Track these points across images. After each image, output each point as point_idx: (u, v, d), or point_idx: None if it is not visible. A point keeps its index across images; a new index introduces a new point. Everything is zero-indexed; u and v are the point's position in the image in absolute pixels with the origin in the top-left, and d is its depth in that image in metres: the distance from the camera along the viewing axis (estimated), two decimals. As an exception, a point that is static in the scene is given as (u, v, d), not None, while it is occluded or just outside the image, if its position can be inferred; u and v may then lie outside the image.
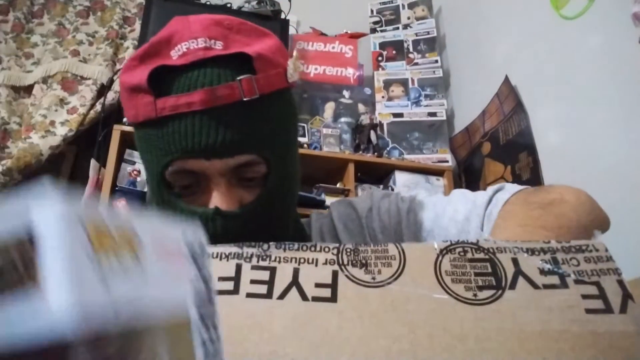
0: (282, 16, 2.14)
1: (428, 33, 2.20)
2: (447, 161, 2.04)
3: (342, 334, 0.34)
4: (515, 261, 0.36)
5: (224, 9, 2.12)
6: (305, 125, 2.02)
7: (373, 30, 2.27)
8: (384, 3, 2.30)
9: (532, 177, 1.57)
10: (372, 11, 2.31)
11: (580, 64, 1.43)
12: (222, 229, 0.51)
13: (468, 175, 1.98)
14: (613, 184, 1.26)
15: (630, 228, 1.18)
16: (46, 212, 0.15)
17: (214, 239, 0.47)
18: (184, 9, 2.02)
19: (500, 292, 0.34)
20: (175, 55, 0.52)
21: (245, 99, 0.50)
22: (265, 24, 2.07)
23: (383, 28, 2.27)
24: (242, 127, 0.51)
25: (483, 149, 1.87)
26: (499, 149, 1.79)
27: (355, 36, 2.25)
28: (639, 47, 1.22)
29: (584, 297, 0.33)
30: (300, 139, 1.98)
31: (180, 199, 0.54)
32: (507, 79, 1.73)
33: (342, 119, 2.09)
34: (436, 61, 2.15)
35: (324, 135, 2.02)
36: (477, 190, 1.81)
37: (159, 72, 0.52)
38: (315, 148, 1.96)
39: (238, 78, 0.50)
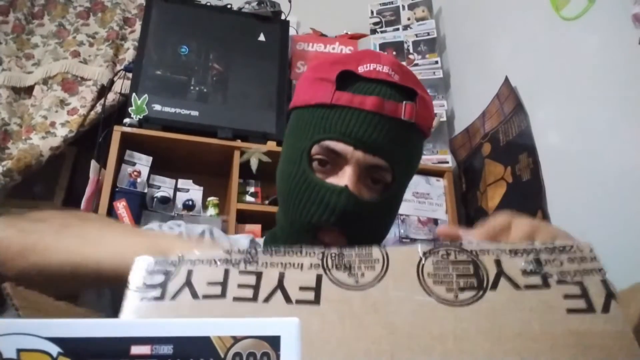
0: (282, 17, 2.14)
1: (428, 34, 2.20)
2: (447, 162, 2.04)
3: (322, 335, 0.34)
4: (498, 262, 0.35)
5: (224, 10, 2.13)
6: (305, 126, 2.02)
7: (373, 31, 2.27)
8: (384, 4, 2.29)
9: (532, 178, 1.57)
10: (372, 12, 2.31)
11: (581, 65, 1.43)
12: (343, 206, 0.60)
13: (468, 176, 1.97)
14: (613, 184, 1.26)
15: (630, 228, 1.17)
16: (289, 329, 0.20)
17: (331, 213, 0.61)
18: (184, 9, 2.03)
19: (481, 293, 0.34)
20: (362, 70, 0.65)
21: (403, 119, 0.63)
22: (265, 24, 2.07)
23: (383, 29, 2.27)
24: (392, 138, 0.62)
25: (483, 149, 1.86)
26: (499, 150, 1.78)
27: (355, 37, 2.25)
28: (639, 48, 1.21)
29: (566, 297, 0.33)
30: (300, 140, 1.97)
31: (314, 173, 0.64)
32: (507, 80, 1.73)
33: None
34: (436, 62, 2.14)
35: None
36: (476, 191, 1.79)
37: (345, 76, 0.64)
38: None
39: (404, 102, 0.63)
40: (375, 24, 2.29)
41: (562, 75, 1.50)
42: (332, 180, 0.63)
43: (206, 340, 0.18)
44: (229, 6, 2.17)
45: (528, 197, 1.57)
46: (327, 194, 0.61)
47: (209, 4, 2.10)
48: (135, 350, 0.18)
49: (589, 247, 0.36)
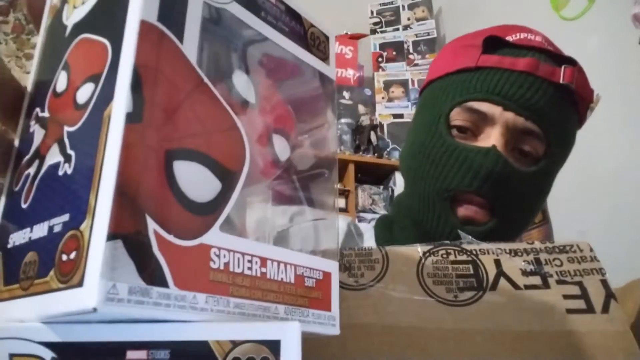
0: (282, 17, 2.14)
1: (428, 34, 2.20)
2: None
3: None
4: (497, 262, 0.35)
5: (224, 10, 2.12)
6: (304, 126, 2.02)
7: (373, 31, 2.27)
8: (384, 4, 2.29)
9: (532, 179, 1.57)
10: (372, 12, 2.31)
11: (581, 65, 1.43)
12: (490, 166, 0.51)
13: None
14: (613, 184, 1.26)
15: (630, 228, 1.17)
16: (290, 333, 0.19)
17: (475, 176, 0.52)
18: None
19: (480, 293, 0.34)
20: (512, 38, 0.58)
21: (562, 82, 0.55)
22: (265, 25, 2.07)
23: (383, 29, 2.27)
24: (547, 102, 0.54)
25: (483, 150, 1.86)
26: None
27: (355, 37, 2.25)
28: (639, 48, 1.21)
29: (566, 297, 0.33)
30: (300, 140, 1.97)
31: (454, 138, 0.55)
32: (507, 80, 1.73)
33: (342, 120, 2.08)
34: (436, 62, 2.14)
35: (324, 136, 2.01)
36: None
37: (492, 43, 0.57)
38: (314, 149, 1.96)
39: (563, 66, 0.56)
40: (375, 24, 2.29)
41: (562, 75, 1.50)
42: (477, 143, 0.55)
43: (204, 345, 0.18)
44: (228, 6, 2.17)
45: (528, 197, 1.57)
46: (470, 155, 0.53)
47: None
48: (131, 355, 0.18)
49: (588, 247, 0.36)
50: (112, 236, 0.16)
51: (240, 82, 0.22)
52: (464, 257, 0.36)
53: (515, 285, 0.34)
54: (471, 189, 0.52)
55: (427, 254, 0.37)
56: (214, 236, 0.19)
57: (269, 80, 0.24)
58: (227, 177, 0.20)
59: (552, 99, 0.54)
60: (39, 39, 0.26)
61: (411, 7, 2.27)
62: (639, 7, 1.21)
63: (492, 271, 0.35)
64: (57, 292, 0.17)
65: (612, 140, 1.29)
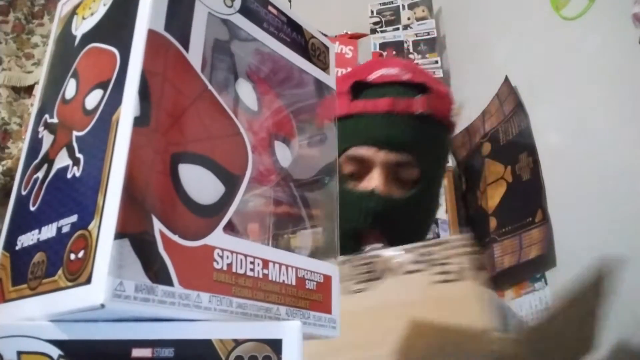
0: (282, 17, 2.14)
1: (428, 34, 2.20)
2: (447, 162, 2.04)
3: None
4: (388, 259, 0.45)
5: (224, 10, 2.12)
6: (305, 125, 2.02)
7: (373, 31, 2.27)
8: (384, 4, 2.29)
9: (532, 178, 1.57)
10: (372, 12, 2.31)
11: (581, 65, 1.43)
12: (374, 207, 0.62)
13: (468, 176, 1.97)
14: (613, 184, 1.26)
15: (630, 228, 1.17)
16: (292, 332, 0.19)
17: (365, 216, 0.62)
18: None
19: (372, 282, 0.44)
20: (372, 77, 0.67)
21: (417, 113, 0.64)
22: (265, 24, 2.07)
23: (383, 29, 2.27)
24: (411, 133, 0.64)
25: (483, 149, 1.86)
26: (499, 150, 1.78)
27: (356, 37, 2.25)
28: (639, 48, 1.21)
29: (438, 273, 0.43)
30: (300, 140, 1.97)
31: (347, 184, 0.65)
32: (507, 80, 1.73)
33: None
34: (436, 62, 2.14)
35: (324, 135, 2.01)
36: (476, 191, 1.78)
37: (357, 87, 0.66)
38: (315, 149, 1.96)
39: (417, 96, 0.65)
40: (375, 23, 2.29)
41: (562, 75, 1.50)
42: (363, 185, 0.64)
43: (207, 343, 0.18)
44: (228, 6, 2.17)
45: (528, 196, 1.57)
46: (357, 200, 0.63)
47: (208, 3, 2.10)
48: (136, 353, 0.18)
49: (465, 237, 0.45)
50: (119, 235, 0.17)
51: (244, 90, 0.23)
52: (364, 262, 0.46)
53: (399, 272, 0.44)
54: (366, 226, 0.62)
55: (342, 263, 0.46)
56: (217, 237, 0.20)
57: (271, 88, 0.25)
58: (230, 180, 0.21)
59: (415, 129, 0.64)
60: (48, 49, 0.27)
61: (411, 6, 2.27)
62: (639, 7, 1.21)
63: (382, 266, 0.45)
64: (66, 290, 0.18)
65: (612, 140, 1.29)
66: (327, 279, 0.24)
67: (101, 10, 0.22)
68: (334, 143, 0.28)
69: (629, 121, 1.23)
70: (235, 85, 0.23)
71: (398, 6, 2.27)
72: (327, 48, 0.29)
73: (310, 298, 0.23)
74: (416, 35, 2.20)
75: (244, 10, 0.24)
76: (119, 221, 0.17)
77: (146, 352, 0.18)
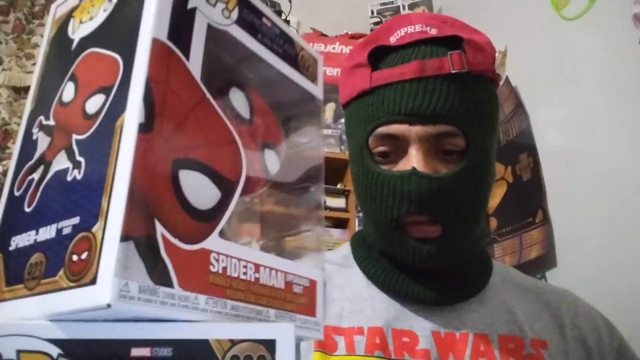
0: (283, 17, 2.14)
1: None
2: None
3: None
4: None
5: (225, 10, 2.13)
6: (305, 126, 2.02)
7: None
8: (384, 4, 2.29)
9: (533, 178, 1.57)
10: (372, 12, 2.31)
11: (581, 65, 1.43)
12: (416, 190, 0.53)
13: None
14: (613, 184, 1.26)
15: (630, 228, 1.17)
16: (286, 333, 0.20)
17: (409, 201, 0.54)
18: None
19: None
20: (394, 39, 0.58)
21: (453, 72, 0.54)
22: (265, 24, 2.07)
23: (384, 29, 2.27)
24: (447, 97, 0.54)
25: (483, 149, 1.86)
26: (499, 150, 1.78)
27: (356, 37, 2.25)
28: (639, 48, 1.21)
29: None
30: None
31: (379, 166, 0.57)
32: (507, 80, 1.73)
33: (343, 120, 2.09)
34: (437, 62, 2.14)
35: (325, 136, 2.02)
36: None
37: (378, 53, 0.57)
38: (315, 149, 1.96)
39: (449, 53, 0.55)
40: (376, 23, 2.29)
41: (562, 75, 1.50)
42: (400, 167, 0.56)
43: (205, 343, 0.19)
44: (229, 6, 2.18)
45: (528, 196, 1.57)
46: (396, 182, 0.54)
47: (209, 3, 2.10)
48: (135, 352, 0.18)
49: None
50: (124, 238, 0.17)
51: (237, 98, 0.24)
52: None
53: None
54: (411, 212, 0.54)
55: None
56: (213, 242, 0.21)
57: (262, 97, 0.26)
58: (225, 186, 0.22)
59: (451, 92, 0.54)
60: (41, 50, 0.27)
61: (411, 7, 2.27)
62: (639, 7, 1.21)
63: None
64: (68, 291, 0.18)
65: (612, 140, 1.29)
66: (313, 283, 0.25)
67: (101, 16, 0.23)
68: (320, 151, 0.29)
69: (629, 121, 1.23)
70: (229, 93, 0.24)
71: (398, 6, 2.27)
72: (315, 60, 0.30)
73: (297, 302, 0.24)
74: (416, 35, 2.20)
75: (241, 22, 0.24)
76: (125, 224, 0.17)
77: (145, 351, 0.18)
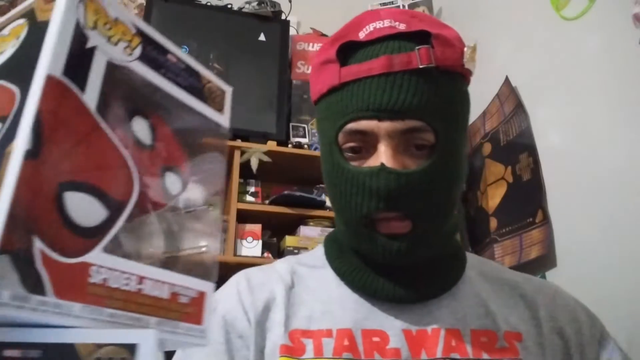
0: (283, 17, 2.14)
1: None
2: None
3: None
4: None
5: (224, 10, 2.13)
6: (305, 126, 2.02)
7: (374, 31, 2.27)
8: (384, 4, 2.29)
9: (533, 178, 1.57)
10: (373, 12, 2.31)
11: (581, 65, 1.43)
12: (385, 186, 0.53)
13: (468, 176, 1.97)
14: (613, 184, 1.26)
15: (630, 228, 1.17)
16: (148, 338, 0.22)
17: (378, 197, 0.54)
18: (184, 10, 2.03)
19: None
20: (363, 35, 0.58)
21: (421, 67, 0.54)
22: (265, 24, 2.07)
23: (384, 29, 2.27)
24: (415, 92, 0.54)
25: (483, 149, 1.86)
26: (499, 150, 1.78)
27: (356, 37, 2.25)
28: (639, 48, 1.21)
29: None
30: (301, 140, 1.98)
31: (348, 162, 0.57)
32: (507, 80, 1.73)
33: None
34: (437, 62, 2.14)
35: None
36: (476, 191, 1.78)
37: (347, 48, 0.58)
38: (315, 149, 1.96)
39: (416, 48, 0.55)
40: (376, 23, 2.29)
41: (562, 75, 1.50)
42: (370, 163, 0.56)
43: (71, 347, 0.21)
44: (229, 6, 2.18)
45: (528, 196, 1.57)
46: (365, 179, 0.54)
47: (209, 4, 2.10)
48: (7, 353, 0.21)
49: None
50: (0, 252, 0.20)
51: (139, 126, 0.27)
52: None
53: None
54: (380, 209, 0.54)
55: None
56: (96, 256, 0.23)
57: (167, 125, 0.29)
58: (114, 206, 0.24)
59: (419, 87, 0.54)
60: None
61: (411, 7, 2.27)
62: (639, 7, 1.21)
63: None
64: None
65: (612, 140, 1.29)
66: (202, 294, 0.28)
67: (9, 51, 0.25)
68: (221, 176, 0.31)
69: (629, 121, 1.23)
70: (132, 122, 0.26)
71: (398, 6, 2.27)
72: (223, 91, 0.33)
73: (183, 311, 0.27)
74: (416, 35, 2.20)
75: (144, 58, 0.27)
76: (2, 240, 0.20)
77: (16, 352, 0.21)
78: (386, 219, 0.56)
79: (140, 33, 0.27)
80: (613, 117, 1.30)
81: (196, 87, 0.30)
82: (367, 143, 0.56)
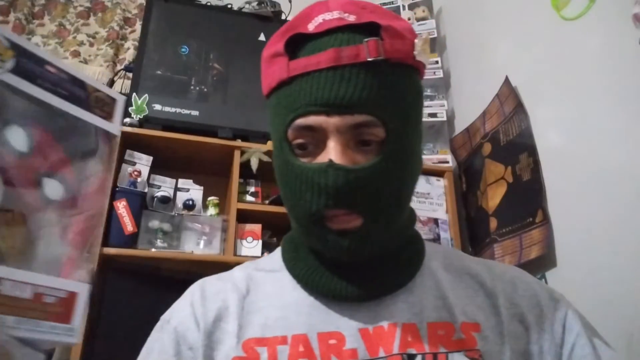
0: (283, 17, 2.14)
1: (428, 34, 2.20)
2: (447, 162, 2.04)
3: None
4: None
5: (224, 10, 2.13)
6: (305, 126, 2.02)
7: (374, 31, 2.27)
8: (384, 4, 2.29)
9: (533, 178, 1.57)
10: (372, 12, 2.31)
11: (581, 65, 1.43)
12: (333, 183, 0.52)
13: (468, 176, 1.97)
14: (613, 184, 1.26)
15: (630, 227, 1.17)
16: None
17: (326, 195, 0.53)
18: (184, 10, 2.02)
19: None
20: (312, 27, 0.56)
21: (369, 59, 0.53)
22: (265, 25, 2.07)
23: (384, 29, 2.27)
24: (364, 86, 0.53)
25: (483, 149, 1.86)
26: (499, 150, 1.78)
27: (356, 37, 2.25)
28: (639, 48, 1.21)
29: None
30: (300, 140, 1.97)
31: (298, 159, 0.56)
32: (507, 80, 1.73)
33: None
34: (436, 62, 2.14)
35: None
36: (476, 191, 1.78)
37: (296, 41, 0.56)
38: (315, 149, 1.96)
39: (365, 40, 0.53)
40: (376, 23, 2.29)
41: (563, 75, 1.50)
42: (320, 159, 0.54)
43: None
44: (229, 6, 2.18)
45: (528, 196, 1.57)
46: (313, 176, 0.53)
47: (209, 4, 2.10)
48: None
49: None
50: None
51: (14, 134, 0.28)
52: None
53: None
54: (329, 206, 0.53)
55: None
56: None
57: (49, 133, 0.29)
58: None
59: (367, 80, 0.53)
60: None
61: (411, 7, 2.27)
62: (639, 7, 1.21)
63: None
64: None
65: (612, 140, 1.29)
66: (73, 295, 0.29)
67: None
68: (108, 182, 0.32)
69: (629, 121, 1.23)
70: (6, 131, 0.28)
71: (398, 6, 2.27)
72: (113, 100, 0.34)
73: (48, 310, 0.28)
74: (416, 35, 2.20)
75: (17, 70, 0.27)
76: None
77: None
78: (335, 215, 0.54)
79: (14, 46, 0.29)
80: (613, 117, 1.30)
81: (80, 96, 0.32)
82: (316, 139, 0.55)
